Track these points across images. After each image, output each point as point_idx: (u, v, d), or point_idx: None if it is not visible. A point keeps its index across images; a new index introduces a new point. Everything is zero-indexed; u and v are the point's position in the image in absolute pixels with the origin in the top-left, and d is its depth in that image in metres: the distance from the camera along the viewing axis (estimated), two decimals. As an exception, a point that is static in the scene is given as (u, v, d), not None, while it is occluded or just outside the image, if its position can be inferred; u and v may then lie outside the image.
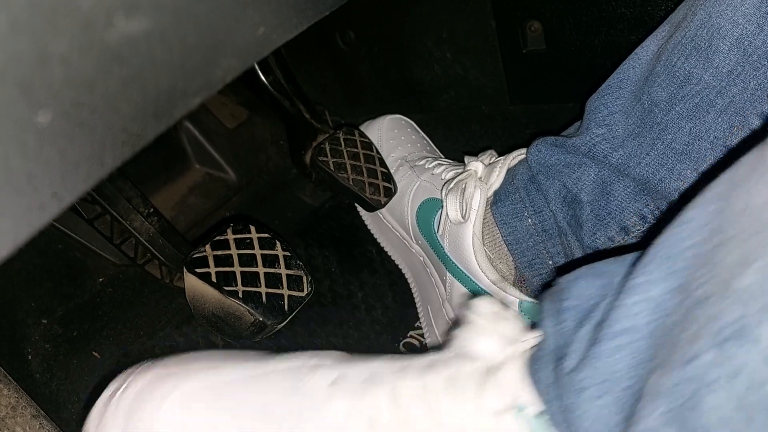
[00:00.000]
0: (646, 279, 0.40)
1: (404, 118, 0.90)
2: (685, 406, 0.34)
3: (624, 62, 0.66)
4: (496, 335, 0.48)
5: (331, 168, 0.79)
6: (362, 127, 0.89)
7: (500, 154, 0.77)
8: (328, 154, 0.79)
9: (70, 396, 0.69)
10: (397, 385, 0.48)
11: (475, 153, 0.79)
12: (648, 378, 0.37)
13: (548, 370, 0.44)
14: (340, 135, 0.81)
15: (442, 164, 0.80)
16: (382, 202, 0.80)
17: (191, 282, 0.63)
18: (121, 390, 0.51)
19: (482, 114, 0.97)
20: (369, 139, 0.83)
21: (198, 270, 0.62)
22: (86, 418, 0.54)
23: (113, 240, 0.71)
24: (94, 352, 0.72)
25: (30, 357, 0.70)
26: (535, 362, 0.46)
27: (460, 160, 0.80)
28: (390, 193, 0.80)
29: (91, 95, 0.23)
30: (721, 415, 0.33)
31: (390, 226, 0.84)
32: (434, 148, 0.90)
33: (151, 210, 0.70)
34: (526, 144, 0.74)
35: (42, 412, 0.61)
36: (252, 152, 0.96)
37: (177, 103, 0.31)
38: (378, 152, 0.82)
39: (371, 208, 0.81)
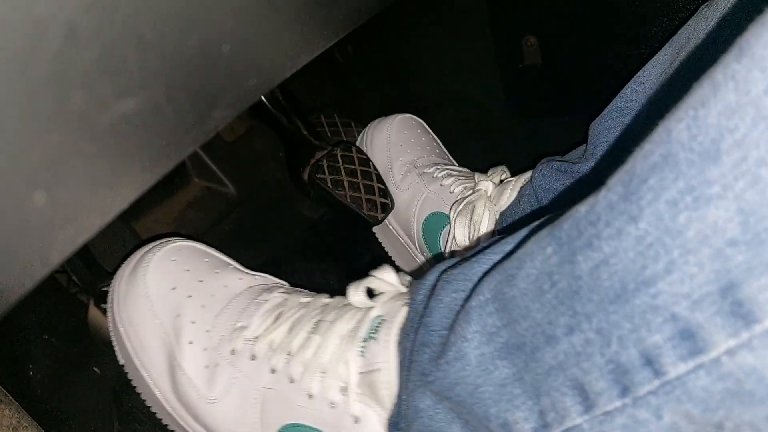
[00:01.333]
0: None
1: (415, 117, 0.90)
2: (507, 278, 0.38)
3: (626, 86, 0.66)
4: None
5: (329, 185, 0.79)
6: (372, 125, 0.89)
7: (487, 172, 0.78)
8: (326, 171, 0.80)
9: (70, 412, 0.69)
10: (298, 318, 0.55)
11: (474, 167, 0.80)
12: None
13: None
14: (338, 152, 0.82)
15: (452, 174, 0.80)
16: (379, 218, 0.80)
17: (93, 314, 0.70)
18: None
19: (480, 128, 0.98)
20: (366, 156, 0.84)
21: (102, 305, 0.67)
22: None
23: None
24: (95, 369, 0.73)
25: (31, 373, 0.71)
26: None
27: (468, 167, 0.81)
28: (387, 208, 0.81)
29: (88, 167, 0.24)
30: (525, 285, 0.36)
31: (395, 233, 0.85)
32: (444, 150, 0.90)
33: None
34: (523, 158, 0.75)
35: (43, 431, 0.61)
36: (251, 166, 0.96)
37: (171, 156, 0.32)
38: (375, 168, 0.83)
39: (368, 224, 0.82)
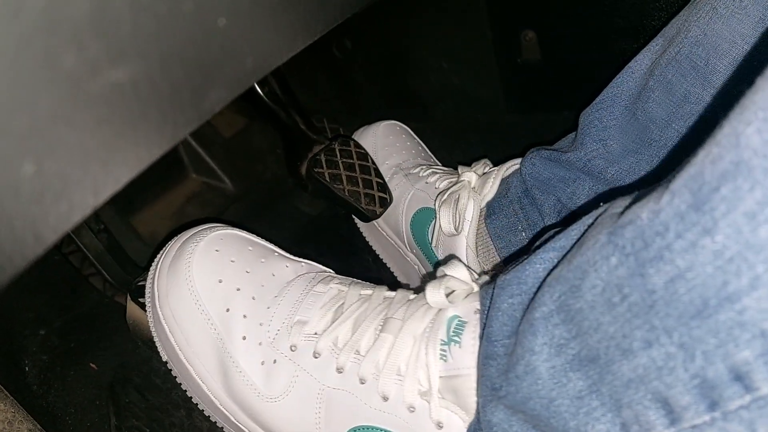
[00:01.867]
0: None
1: (399, 123, 0.91)
2: (571, 290, 0.37)
3: (618, 76, 0.66)
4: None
5: (327, 179, 0.79)
6: (357, 133, 0.89)
7: (497, 164, 0.78)
8: (324, 165, 0.80)
9: (66, 408, 0.69)
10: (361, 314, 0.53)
11: (470, 163, 0.80)
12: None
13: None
14: (336, 146, 0.81)
15: (437, 172, 0.80)
16: (378, 213, 0.80)
17: (131, 310, 0.68)
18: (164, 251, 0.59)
19: (478, 123, 0.98)
20: (364, 150, 0.83)
21: (140, 299, 0.66)
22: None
23: (61, 248, 0.72)
24: (91, 364, 0.73)
25: (27, 368, 0.70)
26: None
27: (456, 168, 0.81)
28: (385, 203, 0.80)
29: (77, 138, 0.23)
30: (593, 296, 0.35)
31: (385, 234, 0.84)
32: (429, 154, 0.90)
33: (102, 227, 0.72)
34: (522, 153, 0.74)
35: (38, 426, 0.61)
36: (249, 161, 0.96)
37: (167, 135, 0.31)
38: (373, 162, 0.83)
39: (367, 218, 0.81)
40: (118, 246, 0.75)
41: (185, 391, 0.59)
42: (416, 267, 0.82)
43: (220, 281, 0.55)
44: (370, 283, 0.58)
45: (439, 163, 0.88)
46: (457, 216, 0.71)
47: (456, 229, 0.71)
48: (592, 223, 0.40)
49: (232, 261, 0.57)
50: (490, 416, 0.43)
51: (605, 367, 0.35)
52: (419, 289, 0.54)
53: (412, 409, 0.49)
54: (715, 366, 0.30)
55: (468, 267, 0.54)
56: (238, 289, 0.55)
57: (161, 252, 0.59)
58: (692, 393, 0.31)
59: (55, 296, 0.77)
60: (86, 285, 0.78)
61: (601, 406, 0.36)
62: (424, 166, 0.83)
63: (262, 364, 0.53)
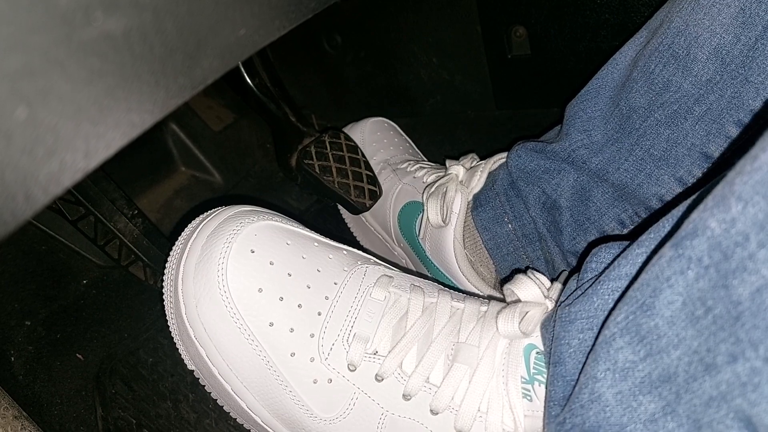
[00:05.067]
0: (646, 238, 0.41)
1: (387, 120, 0.91)
2: (641, 308, 0.36)
3: (603, 68, 0.66)
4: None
5: (317, 171, 0.79)
6: (347, 128, 0.89)
7: (485, 159, 0.78)
8: (314, 158, 0.80)
9: (53, 398, 0.68)
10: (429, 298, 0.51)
11: (458, 157, 0.80)
12: None
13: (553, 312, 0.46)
14: (326, 138, 0.81)
15: (424, 167, 0.80)
16: (367, 205, 0.80)
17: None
18: (196, 231, 0.51)
19: (468, 119, 0.98)
20: (354, 143, 0.83)
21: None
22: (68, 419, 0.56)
23: (97, 241, 0.71)
24: (77, 355, 0.72)
25: (13, 359, 0.70)
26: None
27: (443, 164, 0.81)
28: (375, 196, 0.80)
29: (69, 89, 0.23)
30: (672, 312, 0.34)
31: (372, 229, 0.84)
32: (417, 150, 0.90)
33: (136, 212, 0.70)
34: (510, 148, 0.75)
35: (24, 413, 0.60)
36: (238, 155, 0.96)
37: (159, 101, 0.31)
38: (363, 155, 0.83)
39: (356, 210, 0.81)
40: (156, 230, 0.73)
41: (229, 413, 0.54)
42: (404, 261, 0.82)
43: (260, 290, 0.48)
44: (432, 283, 0.55)
45: (427, 160, 0.88)
46: (445, 208, 0.72)
47: (443, 221, 0.71)
48: (656, 247, 0.39)
49: (271, 263, 0.49)
50: None
51: (683, 385, 0.34)
52: (489, 298, 0.52)
53: None
54: None
55: (536, 277, 0.52)
56: (281, 299, 0.49)
57: (180, 243, 0.52)
58: None
59: (41, 287, 0.76)
60: (73, 276, 0.78)
61: (678, 427, 0.35)
62: (411, 161, 0.83)
63: (315, 383, 0.49)
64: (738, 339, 0.31)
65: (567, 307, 0.44)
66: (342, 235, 0.90)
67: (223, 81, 0.92)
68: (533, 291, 0.50)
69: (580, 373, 0.41)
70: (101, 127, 0.27)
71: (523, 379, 0.46)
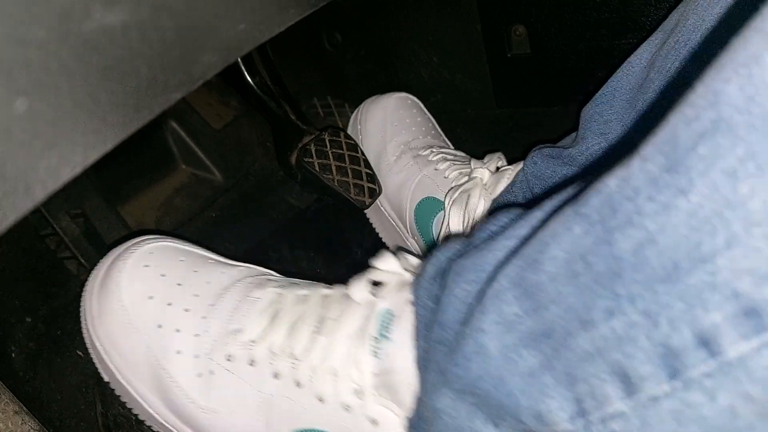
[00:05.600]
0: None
1: (411, 97, 0.90)
2: (530, 263, 0.36)
3: (617, 70, 0.66)
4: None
5: (317, 169, 0.79)
6: (367, 103, 0.89)
7: (483, 158, 0.78)
8: (314, 155, 0.80)
9: (53, 394, 0.68)
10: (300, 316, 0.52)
11: (482, 156, 0.79)
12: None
13: (433, 271, 0.46)
14: (326, 136, 0.82)
15: (447, 158, 0.79)
16: (367, 203, 0.80)
17: None
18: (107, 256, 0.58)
19: (468, 117, 0.98)
20: (354, 141, 0.83)
21: None
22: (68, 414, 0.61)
23: (38, 230, 0.72)
24: (78, 351, 0.72)
25: (14, 355, 0.70)
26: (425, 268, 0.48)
27: (466, 154, 0.80)
28: (374, 194, 0.80)
29: (68, 84, 0.23)
30: (555, 268, 0.34)
31: (388, 215, 0.84)
32: (439, 131, 0.90)
33: (79, 212, 0.72)
34: (512, 148, 0.75)
35: (25, 408, 0.61)
36: (238, 153, 0.96)
37: (157, 97, 0.31)
38: (363, 153, 0.83)
39: (356, 209, 0.81)
40: (95, 232, 0.75)
41: (131, 409, 0.58)
42: (415, 252, 0.81)
43: (151, 297, 0.54)
44: (312, 282, 0.57)
45: (449, 144, 0.88)
46: (467, 215, 0.71)
47: (464, 230, 0.71)
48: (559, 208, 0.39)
49: (162, 275, 0.56)
50: (436, 402, 0.42)
51: (561, 341, 0.34)
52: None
53: (347, 408, 0.48)
54: (680, 332, 0.29)
55: (402, 255, 0.53)
56: (170, 304, 0.54)
57: (94, 271, 0.58)
58: (653, 362, 0.30)
59: (42, 284, 0.76)
60: (73, 274, 0.78)
61: (555, 382, 0.35)
62: (434, 149, 0.82)
63: (200, 377, 0.52)
64: (616, 294, 0.31)
65: (459, 260, 0.44)
66: (341, 233, 0.90)
67: (224, 79, 0.92)
68: (392, 263, 0.52)
69: (461, 324, 0.41)
70: (100, 122, 0.27)
71: (373, 338, 0.47)
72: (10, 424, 0.59)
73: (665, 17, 0.63)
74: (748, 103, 0.25)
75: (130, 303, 0.54)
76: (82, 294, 0.58)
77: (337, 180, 0.79)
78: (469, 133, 0.97)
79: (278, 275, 0.60)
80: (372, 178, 0.81)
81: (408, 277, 0.51)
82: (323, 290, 0.54)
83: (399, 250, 0.55)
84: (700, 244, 0.27)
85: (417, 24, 0.93)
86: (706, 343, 0.28)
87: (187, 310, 0.54)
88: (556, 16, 0.84)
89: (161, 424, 0.56)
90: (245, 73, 0.80)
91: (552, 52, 0.87)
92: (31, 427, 0.60)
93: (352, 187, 0.79)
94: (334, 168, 0.80)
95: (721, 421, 0.29)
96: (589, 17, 0.82)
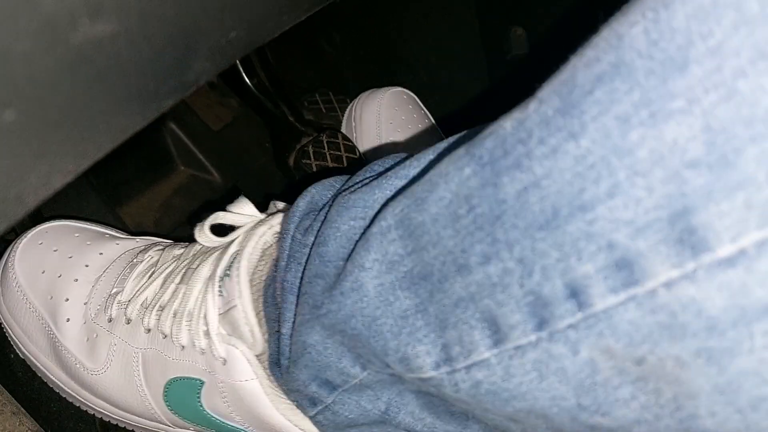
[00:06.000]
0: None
1: (406, 91, 0.89)
2: (416, 202, 0.34)
3: None
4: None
5: (314, 171, 0.79)
6: (361, 98, 0.88)
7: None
8: (312, 157, 0.80)
9: (51, 395, 0.69)
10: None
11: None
12: None
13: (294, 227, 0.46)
14: (324, 138, 0.82)
15: None
16: (365, 205, 0.80)
17: None
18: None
19: (468, 118, 0.98)
20: (352, 142, 0.83)
21: None
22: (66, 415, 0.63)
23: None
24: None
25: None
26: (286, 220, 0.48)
27: None
28: (373, 196, 0.80)
29: (56, 94, 0.23)
30: (438, 209, 0.33)
31: None
32: (435, 126, 0.89)
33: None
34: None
35: (22, 409, 0.61)
36: (237, 154, 0.96)
37: (149, 104, 0.31)
38: (361, 156, 0.83)
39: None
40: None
41: (45, 382, 0.61)
42: None
43: (43, 272, 0.57)
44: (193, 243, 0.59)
45: (445, 138, 0.87)
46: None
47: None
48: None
49: (54, 250, 0.58)
50: (305, 337, 0.42)
51: (437, 284, 0.33)
52: None
53: (203, 351, 0.49)
54: (552, 281, 0.28)
55: (271, 202, 0.54)
56: (60, 276, 0.57)
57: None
58: (523, 311, 0.30)
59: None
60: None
61: (426, 326, 0.34)
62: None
63: (87, 341, 0.55)
64: (495, 239, 0.30)
65: (346, 194, 0.42)
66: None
67: (222, 80, 0.92)
68: (246, 207, 0.53)
69: (343, 260, 0.40)
70: (90, 130, 0.28)
71: (218, 278, 0.48)
72: (7, 425, 0.59)
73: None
74: (651, 47, 0.25)
75: (24, 279, 0.57)
76: None
77: (335, 182, 0.79)
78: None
79: (170, 241, 0.62)
80: (370, 179, 0.81)
81: (262, 217, 0.52)
82: (197, 246, 0.55)
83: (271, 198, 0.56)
84: (582, 191, 0.27)
85: (416, 25, 0.93)
86: (576, 294, 0.28)
87: (76, 280, 0.57)
88: (555, 18, 0.84)
89: (67, 392, 0.59)
90: (243, 74, 0.80)
91: (551, 53, 0.87)
92: (29, 428, 0.60)
93: (349, 188, 0.79)
94: (332, 170, 0.80)
95: (581, 375, 0.29)
96: (588, 19, 0.82)
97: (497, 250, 0.30)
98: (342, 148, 0.82)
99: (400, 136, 0.84)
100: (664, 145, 0.25)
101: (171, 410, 0.54)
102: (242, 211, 0.53)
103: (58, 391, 0.60)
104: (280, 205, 0.54)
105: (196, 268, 0.51)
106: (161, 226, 0.86)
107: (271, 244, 0.49)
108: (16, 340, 0.59)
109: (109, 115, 0.28)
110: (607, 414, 0.30)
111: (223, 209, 0.53)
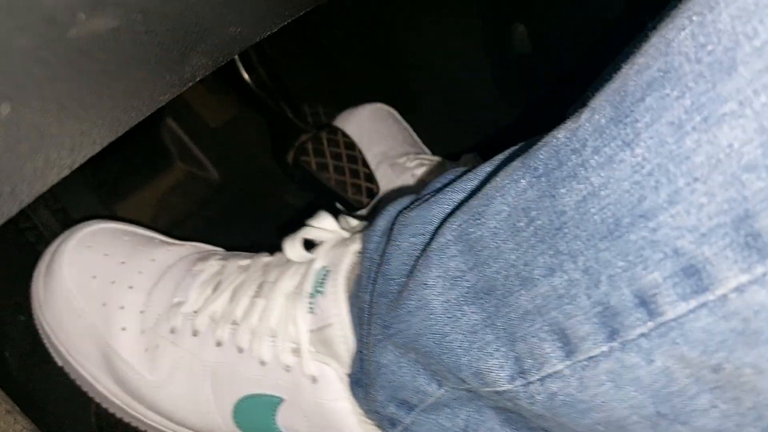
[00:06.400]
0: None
1: (385, 107, 0.90)
2: (473, 217, 0.35)
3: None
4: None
5: (314, 168, 0.79)
6: (342, 116, 0.89)
7: (486, 158, 0.77)
8: (311, 154, 0.79)
9: (46, 393, 0.68)
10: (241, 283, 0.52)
11: (458, 156, 0.79)
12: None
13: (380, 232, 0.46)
14: (323, 135, 0.81)
15: (423, 163, 0.80)
16: (364, 203, 0.80)
17: None
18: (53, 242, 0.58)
19: (469, 116, 0.97)
20: (352, 139, 0.83)
21: None
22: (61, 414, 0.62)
23: (18, 224, 0.72)
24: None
25: (7, 354, 0.70)
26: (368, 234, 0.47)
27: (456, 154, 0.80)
28: (372, 193, 0.80)
29: (53, 88, 0.23)
30: (497, 223, 0.33)
31: None
32: (416, 139, 0.89)
33: (60, 207, 0.71)
34: (512, 146, 0.74)
35: (17, 408, 0.60)
36: (235, 152, 0.95)
37: (146, 99, 0.31)
38: (361, 152, 0.82)
39: (353, 209, 0.81)
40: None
41: (86, 392, 0.59)
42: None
43: (94, 277, 0.55)
44: (255, 254, 0.57)
45: (427, 150, 0.87)
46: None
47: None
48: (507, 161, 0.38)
49: (105, 255, 0.56)
50: (379, 357, 0.42)
51: (502, 298, 0.33)
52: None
53: (288, 368, 0.48)
54: (619, 291, 0.28)
55: (343, 216, 0.53)
56: (113, 282, 0.54)
57: (41, 258, 0.58)
58: (592, 322, 0.30)
59: (36, 282, 0.76)
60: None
61: (496, 340, 0.34)
62: (410, 155, 0.82)
63: (146, 351, 0.53)
64: (557, 251, 0.30)
65: (406, 212, 0.43)
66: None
67: (221, 76, 0.91)
68: (329, 222, 0.52)
69: (405, 276, 0.40)
70: (86, 124, 0.27)
71: (309, 296, 0.47)
72: (2, 424, 0.58)
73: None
74: (699, 51, 0.24)
75: (74, 284, 0.54)
76: (32, 282, 0.58)
77: (335, 179, 0.79)
78: (467, 132, 0.97)
79: (225, 251, 0.60)
80: (370, 177, 0.80)
81: (346, 235, 0.51)
82: (264, 258, 0.54)
83: (339, 212, 0.55)
84: (642, 199, 0.27)
85: (416, 21, 0.92)
86: (645, 303, 0.28)
87: (131, 287, 0.54)
88: (556, 15, 0.84)
89: (115, 404, 0.56)
90: (242, 70, 0.79)
91: (553, 51, 0.87)
92: (24, 426, 0.60)
93: (349, 186, 0.79)
94: (331, 167, 0.79)
95: (657, 384, 0.29)
96: (590, 16, 0.82)
97: (561, 262, 0.30)
98: (342, 145, 0.81)
99: (380, 148, 0.85)
100: (720, 149, 0.24)
101: (238, 426, 0.53)
102: (325, 226, 0.52)
103: (105, 405, 0.58)
104: (353, 221, 0.53)
105: (275, 281, 0.50)
106: (158, 223, 0.85)
107: (354, 263, 0.49)
108: (58, 347, 0.57)
109: (105, 110, 0.28)
110: (687, 423, 0.29)
111: (305, 224, 0.53)
